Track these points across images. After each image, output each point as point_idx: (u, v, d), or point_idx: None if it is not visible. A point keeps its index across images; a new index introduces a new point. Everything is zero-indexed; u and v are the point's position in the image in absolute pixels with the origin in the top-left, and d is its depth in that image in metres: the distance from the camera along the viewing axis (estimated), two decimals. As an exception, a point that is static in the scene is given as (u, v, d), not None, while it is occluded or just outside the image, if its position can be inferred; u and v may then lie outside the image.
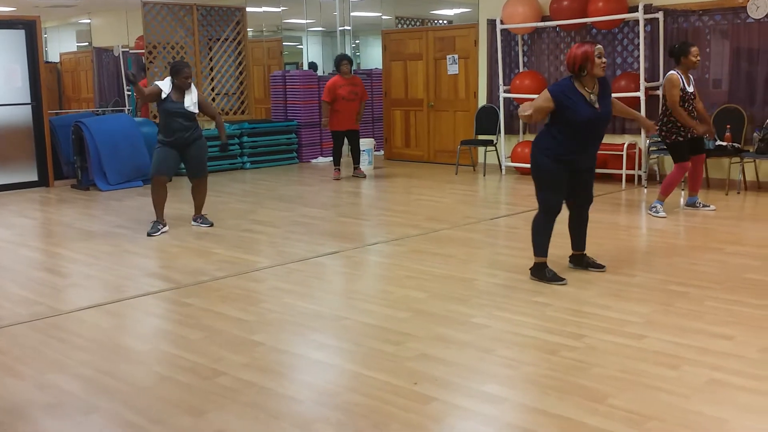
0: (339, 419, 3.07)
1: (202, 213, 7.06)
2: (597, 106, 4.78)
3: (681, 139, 6.88)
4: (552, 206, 4.89)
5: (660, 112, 7.14)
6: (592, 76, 4.77)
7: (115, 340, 4.14)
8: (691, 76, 6.97)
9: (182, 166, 6.99)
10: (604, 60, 4.77)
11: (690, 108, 6.86)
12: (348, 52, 13.51)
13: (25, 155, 9.66)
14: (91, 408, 3.24)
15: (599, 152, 8.88)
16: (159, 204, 6.74)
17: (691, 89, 6.86)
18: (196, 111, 6.75)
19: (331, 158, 10.56)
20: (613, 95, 8.82)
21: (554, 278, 4.89)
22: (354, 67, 13.60)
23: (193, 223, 7.02)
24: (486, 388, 3.34)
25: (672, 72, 6.87)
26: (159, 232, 6.61)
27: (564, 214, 5.02)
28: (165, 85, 6.65)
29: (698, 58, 6.87)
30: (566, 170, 4.83)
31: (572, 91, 4.75)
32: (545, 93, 4.78)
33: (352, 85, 9.78)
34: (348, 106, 9.74)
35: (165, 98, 6.61)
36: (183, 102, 6.65)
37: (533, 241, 4.96)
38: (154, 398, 3.33)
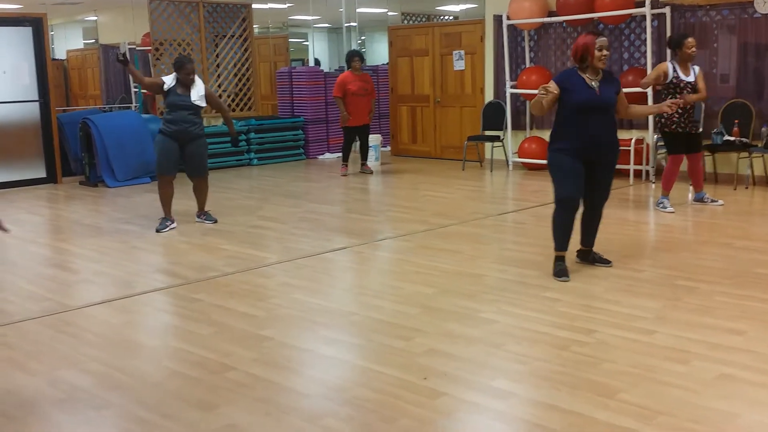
0: (348, 414, 3.08)
1: (206, 210, 7.06)
2: (597, 91, 4.83)
3: (680, 130, 6.87)
4: (567, 198, 4.87)
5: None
6: (593, 68, 4.84)
7: (125, 335, 4.15)
8: (694, 68, 6.94)
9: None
10: (605, 53, 4.80)
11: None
12: (354, 48, 13.51)
13: (33, 152, 9.69)
14: (102, 403, 3.25)
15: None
16: (166, 201, 6.75)
17: (690, 79, 6.84)
18: (204, 105, 6.74)
19: (339, 154, 10.56)
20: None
21: (558, 273, 4.90)
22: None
23: (197, 219, 7.02)
24: (495, 383, 3.34)
25: (665, 61, 6.90)
26: (167, 229, 6.62)
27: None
28: (169, 79, 6.65)
29: (693, 49, 6.83)
30: (581, 162, 4.83)
31: (574, 76, 4.87)
32: (551, 82, 4.89)
33: (362, 82, 9.81)
34: (358, 101, 9.76)
35: (169, 91, 6.59)
36: (189, 95, 6.65)
37: (553, 235, 4.98)
38: (164, 393, 3.34)
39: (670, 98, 6.83)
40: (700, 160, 7.22)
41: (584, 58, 4.82)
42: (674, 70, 6.81)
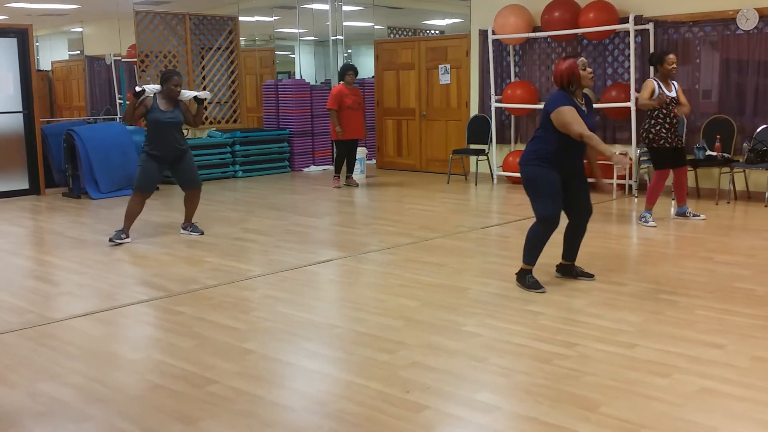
0: (331, 427, 3.07)
1: (192, 221, 7.05)
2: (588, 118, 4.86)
3: (667, 145, 6.94)
4: (552, 216, 4.86)
5: (646, 119, 7.19)
6: (581, 89, 4.83)
7: (107, 348, 4.13)
8: (674, 83, 7.02)
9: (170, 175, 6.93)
10: (590, 70, 4.82)
11: (668, 113, 6.90)
12: (340, 61, 13.54)
13: (16, 163, 9.64)
14: (83, 416, 3.23)
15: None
16: (133, 217, 6.70)
17: (672, 94, 6.92)
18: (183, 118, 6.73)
19: (325, 167, 10.58)
20: (605, 105, 8.99)
21: (534, 285, 4.91)
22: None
23: (182, 231, 7.01)
24: (478, 397, 3.34)
25: (649, 78, 6.99)
26: (121, 241, 6.57)
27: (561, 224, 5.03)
28: (150, 90, 6.52)
29: (673, 66, 6.91)
30: (561, 179, 4.85)
31: (572, 101, 4.77)
32: (567, 109, 4.68)
33: (355, 95, 9.87)
34: (352, 115, 9.81)
35: (153, 108, 6.52)
36: (173, 111, 6.62)
37: (525, 249, 4.96)
38: (145, 406, 3.32)
39: (659, 114, 6.91)
40: (685, 174, 7.29)
41: (571, 82, 4.78)
42: (659, 87, 6.89)
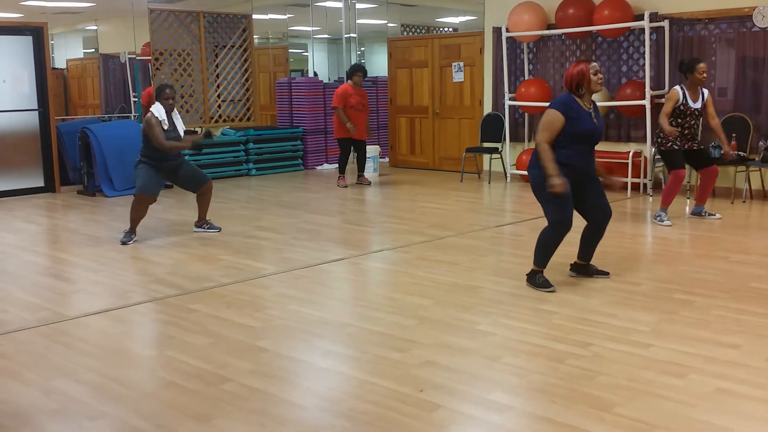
0: (344, 426, 3.07)
1: (207, 219, 7.06)
2: (596, 121, 4.85)
3: (676, 147, 6.88)
4: (564, 220, 4.83)
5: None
6: (589, 93, 4.85)
7: (121, 345, 4.15)
8: (704, 92, 6.95)
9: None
10: (600, 76, 4.84)
11: (691, 123, 6.86)
12: (353, 59, 13.54)
13: (31, 161, 9.70)
14: (97, 413, 3.24)
15: (605, 160, 8.96)
16: (138, 219, 6.69)
17: (696, 105, 6.85)
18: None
19: (336, 165, 10.58)
20: (620, 103, 8.94)
21: (543, 284, 4.90)
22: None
23: (196, 229, 7.01)
24: (492, 396, 3.33)
25: (675, 87, 6.91)
26: (131, 242, 6.60)
27: (578, 225, 4.99)
28: (160, 112, 6.56)
29: (704, 75, 6.85)
30: (572, 182, 4.82)
31: (575, 103, 4.82)
32: (552, 112, 4.77)
33: (360, 97, 9.82)
34: (356, 115, 9.75)
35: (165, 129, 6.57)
36: (176, 128, 6.67)
37: (536, 251, 4.95)
38: (159, 404, 3.33)
39: (673, 122, 6.85)
40: (716, 175, 7.13)
41: (580, 85, 4.80)
42: (684, 96, 6.82)
